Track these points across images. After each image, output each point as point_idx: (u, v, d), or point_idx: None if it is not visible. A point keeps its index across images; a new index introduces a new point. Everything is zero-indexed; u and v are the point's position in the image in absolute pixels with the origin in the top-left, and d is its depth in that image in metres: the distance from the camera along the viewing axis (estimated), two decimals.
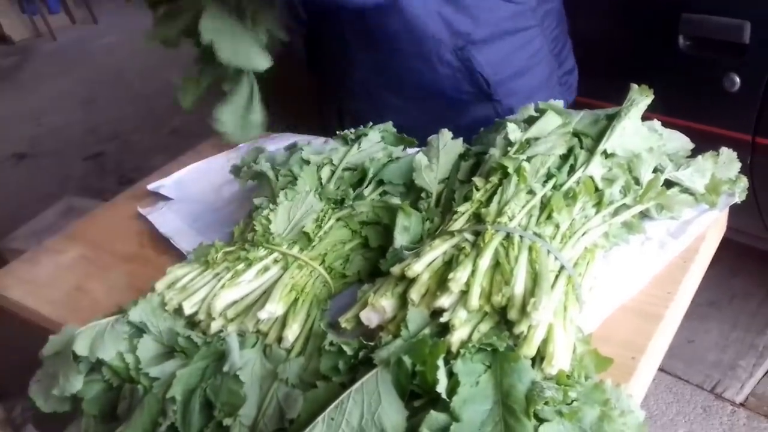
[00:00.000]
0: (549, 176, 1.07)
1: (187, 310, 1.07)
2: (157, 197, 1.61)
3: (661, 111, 1.76)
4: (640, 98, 1.13)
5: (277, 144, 1.72)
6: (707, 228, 1.16)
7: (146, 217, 1.51)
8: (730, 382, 2.23)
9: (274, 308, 1.02)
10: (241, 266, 1.11)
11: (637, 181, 1.11)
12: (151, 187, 1.64)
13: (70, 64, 6.33)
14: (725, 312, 2.47)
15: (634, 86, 1.16)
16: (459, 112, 1.52)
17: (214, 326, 1.05)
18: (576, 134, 1.13)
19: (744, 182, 1.20)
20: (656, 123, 1.20)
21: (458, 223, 1.04)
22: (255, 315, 1.03)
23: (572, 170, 1.08)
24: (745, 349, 2.32)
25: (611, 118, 1.13)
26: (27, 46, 7.03)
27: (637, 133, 1.13)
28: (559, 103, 1.21)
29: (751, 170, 1.84)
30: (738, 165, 1.20)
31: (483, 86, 1.49)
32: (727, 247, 2.22)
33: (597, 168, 1.07)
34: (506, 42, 1.49)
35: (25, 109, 5.45)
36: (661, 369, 2.29)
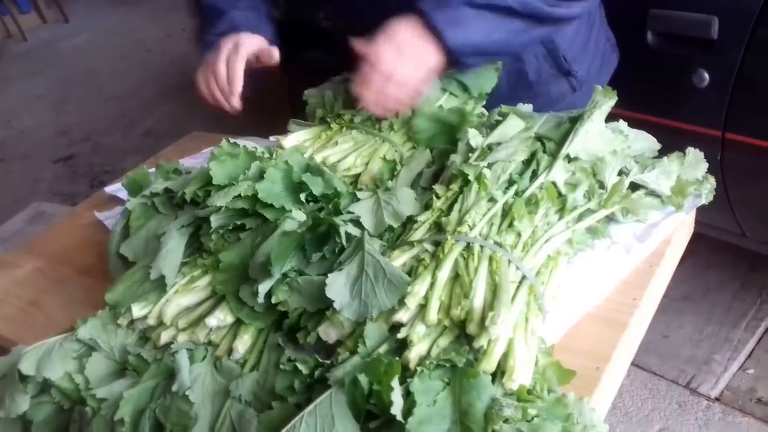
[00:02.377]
0: (511, 182, 1.04)
1: (136, 312, 1.04)
2: (118, 201, 1.56)
3: (631, 108, 1.75)
4: (604, 100, 1.11)
5: None
6: (674, 231, 1.14)
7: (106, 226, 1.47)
8: (704, 376, 2.22)
9: (223, 315, 0.99)
10: (197, 272, 1.08)
11: (602, 185, 1.08)
12: (109, 189, 1.60)
13: (40, 64, 6.23)
14: (700, 306, 2.47)
15: (598, 88, 1.13)
16: (535, 93, 1.49)
17: (164, 337, 1.02)
18: (539, 138, 1.10)
19: (711, 183, 1.18)
20: (622, 124, 1.18)
21: (418, 233, 1.02)
22: (206, 324, 1.00)
23: (534, 176, 1.06)
24: (719, 343, 2.32)
25: (575, 121, 1.11)
26: None
27: (601, 135, 1.10)
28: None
29: (722, 166, 1.84)
30: (705, 166, 1.18)
31: (563, 65, 1.47)
32: (701, 241, 2.22)
33: (560, 173, 1.05)
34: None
35: None
36: (636, 365, 2.29)
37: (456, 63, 1.21)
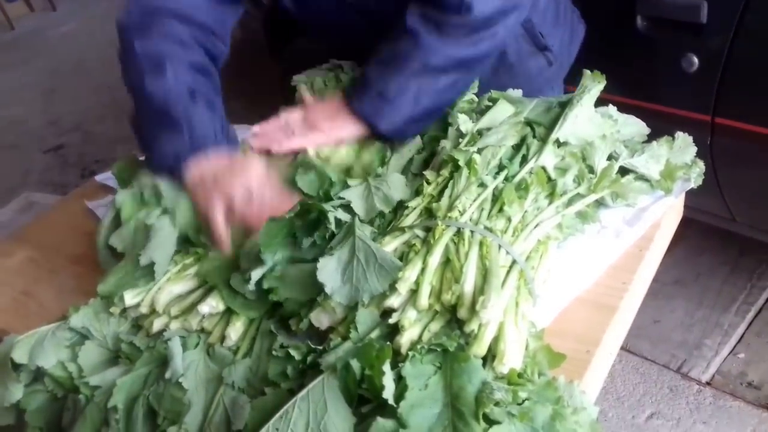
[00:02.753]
0: (501, 167, 1.05)
1: (128, 300, 1.04)
2: (109, 190, 1.56)
3: (621, 93, 1.75)
4: (593, 85, 1.11)
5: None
6: (663, 215, 1.14)
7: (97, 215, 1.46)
8: (696, 361, 2.24)
9: (216, 302, 0.99)
10: (189, 260, 1.08)
11: (591, 170, 1.09)
12: (99, 178, 1.59)
13: (28, 53, 6.18)
14: (691, 290, 2.48)
15: (587, 72, 1.14)
16: (516, 72, 1.49)
17: (157, 324, 1.02)
18: (529, 123, 1.11)
19: (700, 167, 1.19)
20: (611, 109, 1.19)
21: (409, 219, 1.02)
22: (198, 311, 1.00)
23: (524, 160, 1.06)
24: (710, 328, 2.34)
25: (564, 106, 1.11)
26: None
27: (591, 120, 1.11)
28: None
29: (711, 151, 1.85)
30: (694, 150, 1.19)
31: (540, 41, 1.47)
32: (691, 225, 2.23)
33: (549, 157, 1.05)
34: None
35: None
36: (627, 350, 2.31)
37: (396, 137, 1.23)
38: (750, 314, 2.36)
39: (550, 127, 1.09)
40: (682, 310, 2.42)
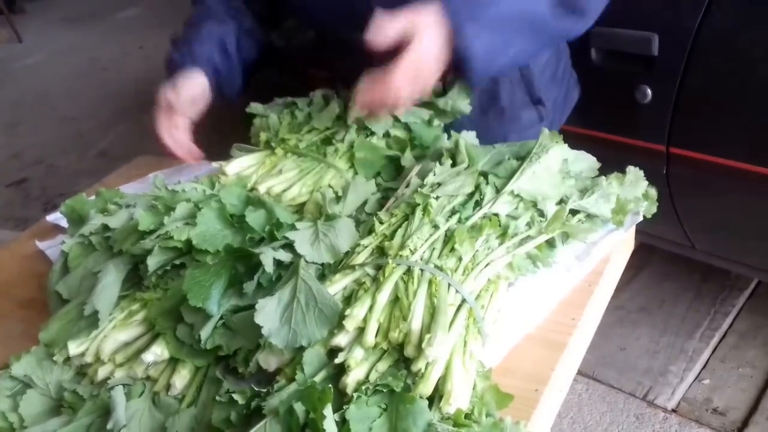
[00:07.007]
0: (454, 211, 1.05)
1: (72, 350, 1.01)
2: (61, 230, 1.52)
3: (578, 123, 1.77)
4: (550, 144, 1.12)
5: (190, 173, 1.66)
6: (613, 249, 1.14)
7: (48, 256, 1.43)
8: (661, 388, 2.25)
9: (160, 350, 0.97)
10: (135, 306, 1.05)
11: (542, 213, 1.09)
12: (50, 218, 1.55)
13: None
14: (656, 317, 2.50)
15: (545, 131, 1.15)
16: (507, 119, 1.49)
17: (102, 373, 0.99)
18: (484, 174, 1.11)
19: (651, 198, 1.19)
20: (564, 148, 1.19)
21: (360, 257, 1.01)
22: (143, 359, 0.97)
23: (478, 205, 1.06)
24: (675, 354, 2.35)
25: (519, 158, 1.12)
26: None
27: (549, 181, 1.10)
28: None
29: (668, 180, 1.87)
30: (645, 184, 1.19)
31: (535, 93, 1.48)
32: (655, 252, 2.24)
33: (503, 207, 1.06)
34: None
35: None
36: (594, 378, 2.31)
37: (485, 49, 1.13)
38: (714, 340, 2.38)
39: (504, 177, 1.09)
40: (647, 337, 2.43)
